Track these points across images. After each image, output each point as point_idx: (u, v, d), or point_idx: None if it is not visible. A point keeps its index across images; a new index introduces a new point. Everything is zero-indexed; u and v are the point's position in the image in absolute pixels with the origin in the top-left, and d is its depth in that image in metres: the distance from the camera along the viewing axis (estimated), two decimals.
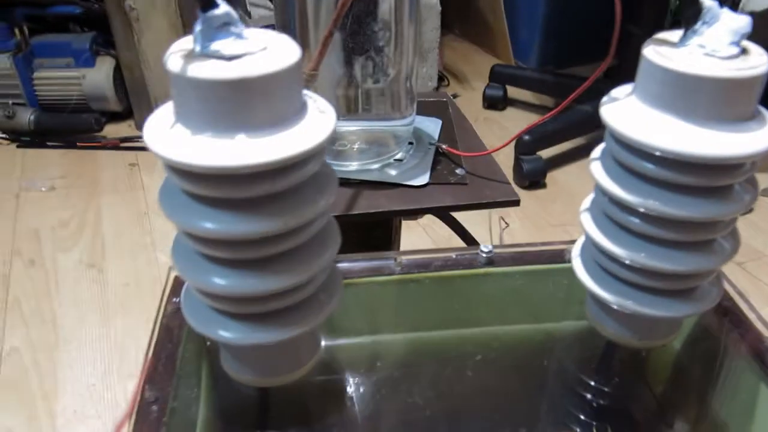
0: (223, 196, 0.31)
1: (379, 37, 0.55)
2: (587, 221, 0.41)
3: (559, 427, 0.46)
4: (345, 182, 0.56)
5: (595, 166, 0.40)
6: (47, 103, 1.63)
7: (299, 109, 0.32)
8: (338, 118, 0.59)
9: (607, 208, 0.39)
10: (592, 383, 0.46)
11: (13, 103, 1.60)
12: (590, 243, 0.42)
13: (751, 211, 1.31)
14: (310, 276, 0.35)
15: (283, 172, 0.31)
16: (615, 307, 0.40)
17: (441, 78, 2.01)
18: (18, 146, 1.55)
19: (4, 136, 1.59)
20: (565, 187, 1.47)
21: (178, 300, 0.45)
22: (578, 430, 0.46)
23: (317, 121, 0.32)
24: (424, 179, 0.57)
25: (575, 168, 1.54)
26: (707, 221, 0.36)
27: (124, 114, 1.69)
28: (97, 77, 1.61)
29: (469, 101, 1.89)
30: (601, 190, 0.40)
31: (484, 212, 1.35)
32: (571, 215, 1.36)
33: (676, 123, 0.34)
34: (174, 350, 0.41)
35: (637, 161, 0.36)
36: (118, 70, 1.63)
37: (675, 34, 0.36)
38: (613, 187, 0.38)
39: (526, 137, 1.45)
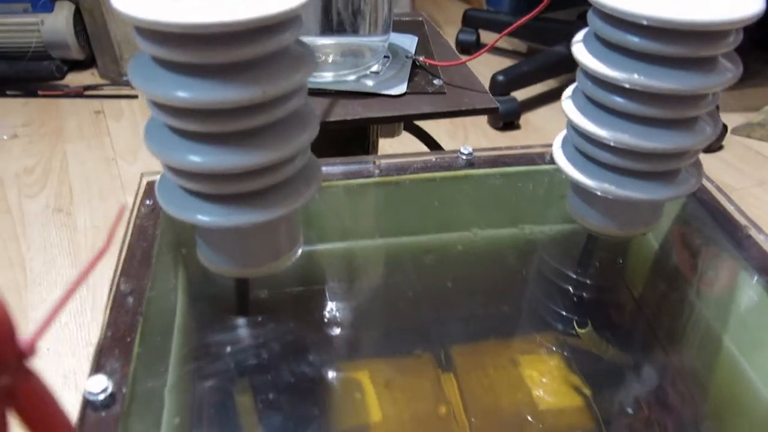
0: (197, 62, 0.29)
1: None
2: (569, 107, 0.41)
3: (540, 323, 0.46)
4: (320, 92, 0.55)
5: (578, 49, 0.39)
6: (4, 51, 1.57)
7: None
8: (310, 32, 0.57)
9: (590, 90, 0.39)
10: (573, 278, 0.46)
11: None
12: (573, 132, 0.42)
13: (721, 148, 1.33)
14: (288, 154, 0.33)
15: (259, 35, 0.30)
16: (598, 193, 0.40)
17: None
18: None
19: None
20: (538, 128, 1.47)
21: (150, 202, 0.44)
22: (559, 325, 0.46)
23: None
24: (401, 89, 0.56)
25: (549, 110, 1.53)
26: (690, 94, 0.36)
27: (87, 62, 1.63)
28: (56, 23, 1.55)
29: None
30: (584, 73, 0.39)
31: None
32: None
33: None
34: (149, 247, 0.40)
35: (621, 35, 0.35)
36: (78, 16, 1.57)
37: None
38: (597, 65, 0.37)
39: (500, 77, 1.43)
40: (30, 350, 0.17)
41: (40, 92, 1.52)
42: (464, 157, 0.49)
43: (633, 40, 0.35)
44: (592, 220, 0.43)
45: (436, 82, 0.58)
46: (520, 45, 1.87)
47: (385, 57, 0.61)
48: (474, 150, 0.50)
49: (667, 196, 0.40)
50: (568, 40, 1.53)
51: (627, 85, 0.36)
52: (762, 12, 0.34)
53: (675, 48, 0.34)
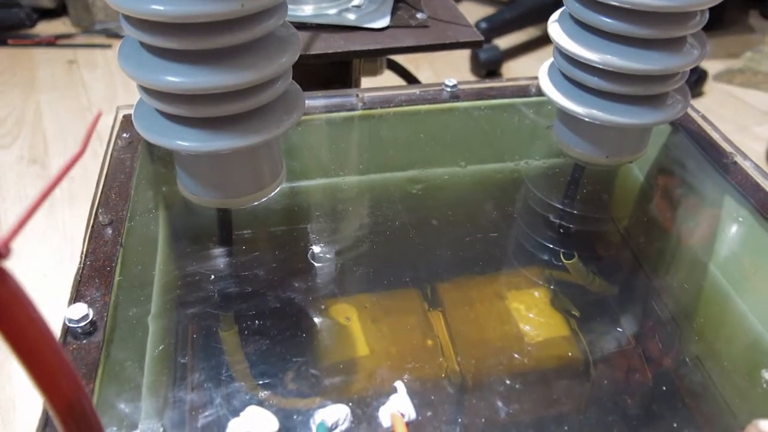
0: None
1: None
2: (556, 31, 0.40)
3: (527, 256, 0.46)
4: (300, 26, 0.53)
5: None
6: None
7: None
8: None
9: (578, 12, 0.38)
10: (560, 210, 0.46)
11: None
12: (559, 57, 0.41)
13: (702, 94, 1.33)
14: (268, 75, 0.32)
15: None
16: (585, 119, 0.40)
17: None
18: None
19: None
20: (521, 76, 1.45)
21: (127, 135, 0.42)
22: (546, 258, 0.46)
23: None
24: (384, 22, 0.54)
25: (531, 58, 1.52)
26: (677, 13, 0.35)
27: (58, 11, 1.58)
28: None
29: None
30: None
31: None
32: None
33: None
34: (127, 180, 0.39)
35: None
36: None
37: None
38: None
39: (483, 25, 1.41)
40: (4, 251, 0.16)
41: (10, 41, 1.47)
42: (449, 89, 0.48)
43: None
44: (579, 149, 0.43)
45: (419, 15, 0.57)
46: None
47: None
48: (459, 82, 0.49)
49: (654, 121, 0.39)
50: None
51: (615, 3, 0.35)
52: None
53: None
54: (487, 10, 1.78)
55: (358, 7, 0.57)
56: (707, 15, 0.36)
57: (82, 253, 0.33)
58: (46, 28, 1.54)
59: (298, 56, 0.34)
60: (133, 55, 0.32)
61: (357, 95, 0.47)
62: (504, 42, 1.50)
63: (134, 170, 0.40)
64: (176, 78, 0.31)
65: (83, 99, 1.28)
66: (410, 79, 0.68)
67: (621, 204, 0.48)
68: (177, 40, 0.30)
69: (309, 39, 0.52)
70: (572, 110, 0.40)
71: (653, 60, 0.36)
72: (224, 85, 0.31)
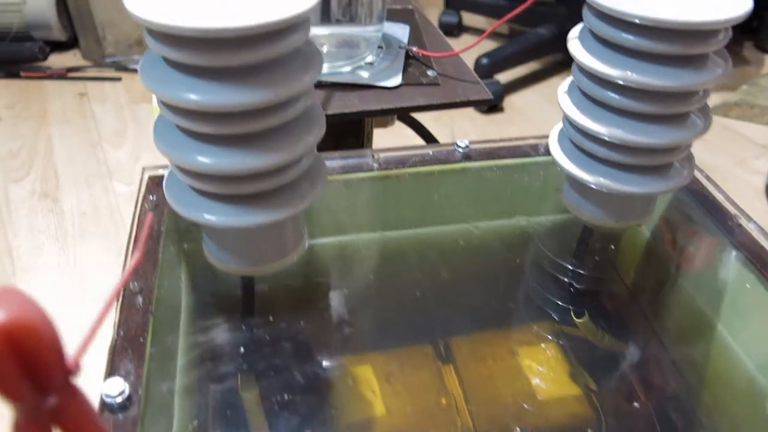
0: (209, 65, 0.30)
1: None
2: (565, 102, 0.42)
3: (538, 313, 0.47)
4: (315, 84, 0.55)
5: (573, 45, 0.40)
6: None
7: None
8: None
9: (585, 85, 0.39)
10: (569, 269, 0.47)
11: None
12: (568, 125, 0.43)
13: None
14: (297, 155, 0.34)
15: (271, 38, 0.30)
16: (593, 186, 0.41)
17: None
18: None
19: None
20: (522, 111, 1.48)
21: (154, 198, 0.44)
22: (556, 315, 0.47)
23: None
24: (396, 80, 0.56)
25: (532, 92, 1.54)
26: (682, 91, 0.37)
27: (69, 44, 1.61)
28: (39, 3, 1.52)
29: None
30: (579, 69, 0.40)
31: (448, 134, 1.35)
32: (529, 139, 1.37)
33: None
34: (155, 244, 0.40)
35: (615, 33, 0.36)
36: None
37: None
38: (592, 61, 0.38)
39: (484, 60, 1.44)
40: (75, 368, 0.18)
41: (22, 73, 1.49)
42: (461, 150, 0.50)
43: (627, 38, 0.36)
44: (588, 213, 0.44)
45: (429, 73, 0.58)
46: (501, 27, 1.87)
47: (378, 47, 0.61)
48: (470, 143, 0.50)
49: (661, 189, 0.41)
50: (549, 21, 1.54)
51: (621, 82, 0.37)
52: (750, 11, 0.35)
53: (667, 46, 0.35)
54: (485, 43, 1.81)
55: (371, 64, 0.59)
56: (709, 92, 0.38)
57: (114, 323, 0.35)
58: (57, 60, 1.56)
59: (324, 131, 0.36)
60: (167, 134, 0.34)
61: (372, 156, 0.49)
62: (505, 77, 1.53)
63: (161, 234, 0.41)
64: (207, 159, 0.32)
65: (93, 133, 1.30)
66: (418, 128, 0.70)
67: (629, 262, 0.50)
68: (210, 125, 0.32)
69: (324, 98, 0.54)
70: (581, 178, 0.41)
71: (659, 134, 0.38)
72: (254, 167, 0.33)
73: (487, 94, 0.56)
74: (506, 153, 0.51)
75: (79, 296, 0.92)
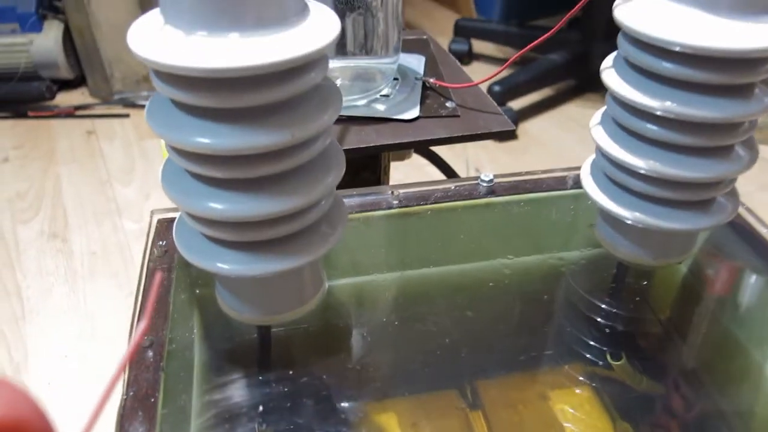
0: (220, 106, 0.28)
1: None
2: (599, 134, 0.39)
3: (570, 354, 0.45)
4: None
5: (608, 74, 0.38)
6: None
7: (301, 9, 0.29)
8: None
9: (620, 116, 0.37)
10: (604, 308, 0.44)
11: None
12: (602, 158, 0.40)
13: None
14: (315, 198, 0.32)
15: (285, 77, 0.28)
16: (630, 222, 0.39)
17: None
18: None
19: None
20: (537, 138, 1.46)
21: (163, 243, 0.42)
22: (590, 356, 0.44)
23: (321, 22, 0.29)
24: (414, 113, 0.54)
25: (545, 119, 1.53)
26: (726, 123, 0.34)
27: (76, 82, 1.61)
28: (46, 43, 1.52)
29: None
30: (613, 98, 0.38)
31: (462, 163, 1.33)
32: (543, 167, 1.35)
33: (696, 15, 0.32)
34: (165, 294, 0.38)
35: (655, 61, 0.34)
36: (67, 35, 1.54)
37: None
38: (629, 91, 0.35)
39: (497, 88, 1.42)
40: None
41: (30, 113, 1.49)
42: (485, 184, 0.48)
43: (666, 67, 0.34)
44: (623, 249, 0.42)
45: (448, 104, 0.56)
46: (511, 53, 1.86)
47: (394, 79, 0.59)
48: (495, 176, 0.48)
49: (703, 226, 0.38)
50: (562, 47, 1.53)
51: (660, 113, 0.35)
52: None
53: (711, 75, 0.33)
54: (493, 69, 1.80)
55: (387, 96, 0.57)
56: (756, 123, 0.36)
57: (123, 382, 0.32)
58: (65, 98, 1.56)
59: (343, 171, 0.34)
60: (176, 179, 0.32)
61: (392, 192, 0.47)
62: (518, 103, 1.52)
63: (172, 282, 0.39)
64: (219, 205, 0.30)
65: (102, 171, 1.28)
66: (439, 162, 0.68)
67: (666, 300, 0.47)
68: (222, 169, 0.29)
69: (341, 132, 0.52)
70: (617, 213, 0.39)
71: (701, 167, 0.35)
72: (269, 212, 0.30)
73: (510, 125, 0.54)
74: (532, 186, 0.49)
75: (89, 339, 0.89)
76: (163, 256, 0.41)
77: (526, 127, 1.49)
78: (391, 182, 0.69)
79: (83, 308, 0.95)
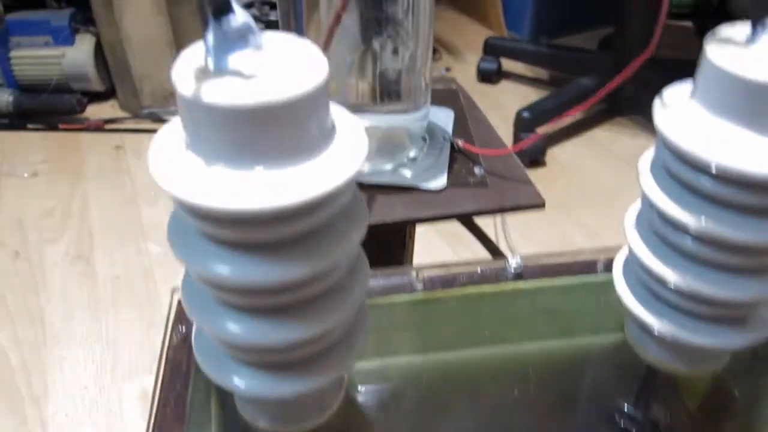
0: (241, 239, 0.27)
1: (398, 5, 0.50)
2: (632, 234, 0.38)
3: None
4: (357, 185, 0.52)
5: (645, 179, 0.36)
6: (26, 84, 1.56)
7: (327, 133, 0.28)
8: (350, 111, 0.55)
9: (656, 224, 0.36)
10: (633, 412, 0.43)
11: None
12: (635, 260, 0.39)
13: None
14: (332, 325, 0.31)
15: (310, 210, 0.27)
16: (658, 334, 0.37)
17: (433, 51, 1.95)
18: None
19: None
20: (565, 164, 1.43)
21: (183, 329, 0.41)
22: None
23: (348, 145, 0.28)
24: (441, 181, 0.53)
25: (575, 144, 1.50)
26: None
27: (107, 94, 1.63)
28: (78, 56, 1.54)
29: (463, 74, 1.84)
30: (650, 205, 0.36)
31: None
32: (572, 196, 1.33)
33: (747, 136, 0.30)
34: (183, 389, 0.37)
35: (692, 174, 0.32)
36: (99, 48, 1.56)
37: (739, 30, 0.32)
38: (665, 202, 0.34)
39: (525, 114, 1.40)
40: None
41: (61, 126, 1.51)
42: (512, 268, 0.46)
43: (703, 183, 0.32)
44: (654, 354, 0.40)
45: (477, 171, 0.55)
46: (541, 72, 1.84)
47: (422, 139, 0.58)
48: (522, 259, 0.47)
49: (739, 345, 0.36)
50: (592, 71, 1.50)
51: (695, 230, 0.33)
52: None
53: (750, 197, 0.31)
54: (525, 90, 1.78)
55: (414, 160, 0.56)
56: None
57: None
58: (95, 110, 1.58)
59: (365, 293, 0.33)
60: (195, 297, 0.31)
61: (416, 274, 0.46)
62: (546, 128, 1.49)
63: (190, 376, 0.38)
64: (239, 330, 0.29)
65: (128, 188, 1.29)
66: (473, 229, 0.66)
67: (699, 402, 0.45)
68: (244, 298, 0.28)
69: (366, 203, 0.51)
70: (646, 322, 0.37)
71: (741, 287, 0.34)
72: (292, 340, 0.29)
73: (540, 199, 0.52)
74: (561, 269, 0.47)
75: (109, 371, 0.90)
76: (182, 343, 0.40)
77: (555, 153, 1.47)
78: (418, 235, 0.68)
79: (104, 337, 0.95)
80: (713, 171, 0.31)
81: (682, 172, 0.32)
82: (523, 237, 1.20)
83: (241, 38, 0.25)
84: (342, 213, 0.30)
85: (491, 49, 1.80)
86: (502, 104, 1.68)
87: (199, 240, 0.28)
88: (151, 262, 1.10)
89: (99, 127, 1.51)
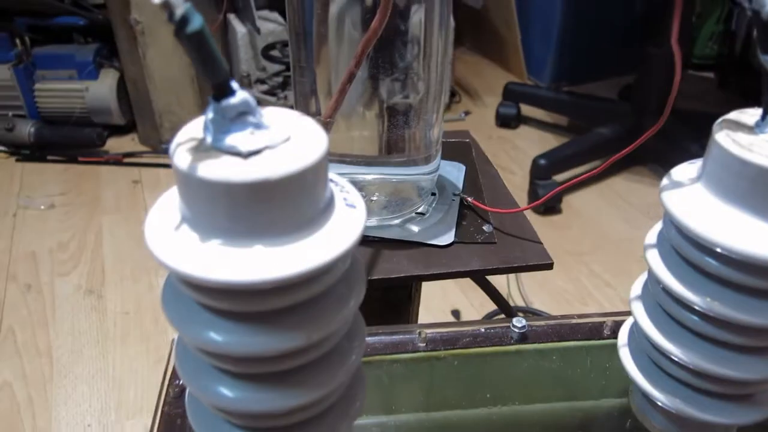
0: (236, 309, 0.27)
1: (407, 52, 0.50)
2: (638, 308, 0.37)
3: None
4: (363, 240, 0.52)
5: (652, 255, 0.35)
6: (48, 116, 1.59)
7: (325, 206, 0.28)
8: (358, 163, 0.55)
9: (662, 300, 0.35)
10: None
11: (13, 115, 1.56)
12: (640, 332, 0.38)
13: None
14: (331, 390, 0.30)
15: (307, 282, 0.27)
16: (662, 405, 0.36)
17: (453, 93, 1.96)
18: (17, 160, 1.51)
19: (3, 149, 1.55)
20: (580, 212, 1.42)
21: (180, 382, 0.41)
22: None
23: (346, 218, 0.28)
24: (449, 238, 0.53)
25: (590, 192, 1.49)
26: None
27: (127, 127, 1.65)
28: (101, 90, 1.57)
29: (481, 118, 1.85)
30: (655, 280, 0.36)
31: None
32: (587, 244, 1.32)
33: (751, 219, 0.30)
34: None
35: (697, 254, 0.32)
36: (121, 83, 1.59)
37: (748, 115, 0.32)
38: (670, 279, 0.33)
39: (542, 161, 1.40)
40: None
41: (80, 159, 1.53)
42: (517, 330, 0.46)
43: (715, 266, 0.31)
44: (659, 426, 0.39)
45: (485, 228, 0.55)
46: (561, 119, 1.84)
47: (432, 194, 0.58)
48: (528, 321, 0.46)
49: (746, 421, 0.35)
50: (612, 120, 1.50)
51: (700, 309, 0.32)
52: None
53: (754, 280, 0.30)
54: (543, 135, 1.78)
55: (422, 214, 0.56)
56: None
57: None
58: (115, 144, 1.60)
59: (360, 361, 0.32)
60: (188, 363, 0.31)
61: (419, 333, 0.45)
62: (562, 176, 1.49)
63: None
64: (231, 393, 0.29)
65: (144, 224, 1.30)
66: (485, 286, 0.66)
67: None
68: (239, 366, 0.28)
69: (371, 258, 0.51)
70: (651, 394, 0.37)
71: (748, 367, 0.33)
72: (286, 407, 0.29)
73: (549, 259, 0.52)
74: (566, 332, 0.47)
75: (114, 410, 0.89)
76: (178, 398, 0.40)
77: (570, 200, 1.46)
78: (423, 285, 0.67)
79: (111, 374, 0.95)
80: (719, 252, 0.30)
81: (689, 251, 0.32)
82: (536, 284, 1.20)
83: (240, 117, 0.25)
84: (340, 279, 0.30)
85: (511, 95, 1.82)
86: (520, 149, 1.68)
87: (193, 308, 0.28)
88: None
89: (118, 160, 1.53)
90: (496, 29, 2.16)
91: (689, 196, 0.32)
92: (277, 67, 1.38)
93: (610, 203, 1.46)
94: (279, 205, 0.25)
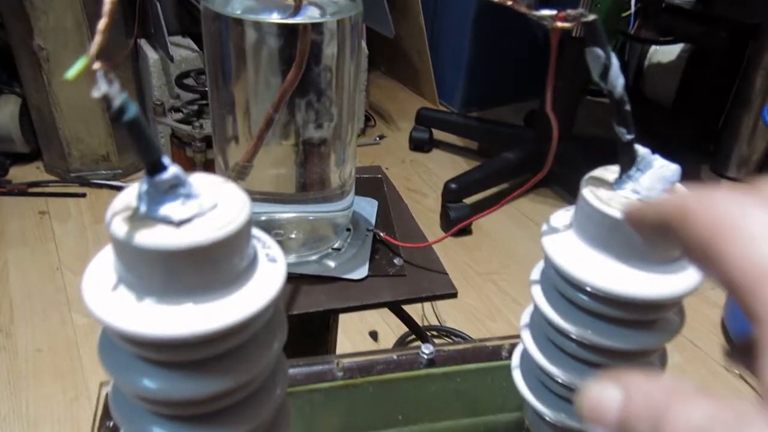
0: (170, 360, 0.30)
1: (321, 80, 0.53)
2: (527, 336, 0.42)
3: None
4: None
5: (535, 289, 0.41)
6: None
7: (249, 263, 0.31)
8: (276, 200, 0.57)
9: (544, 327, 0.40)
10: None
11: None
12: (528, 356, 0.43)
13: None
14: (260, 423, 0.34)
15: (233, 333, 0.30)
16: (548, 420, 0.42)
17: (368, 118, 2.02)
18: None
19: None
20: (490, 233, 1.50)
21: (111, 424, 0.43)
22: None
23: (268, 272, 0.32)
24: (363, 272, 0.57)
25: (499, 214, 1.58)
26: (638, 351, 0.38)
27: (32, 156, 1.61)
28: (1, 117, 1.52)
29: (396, 142, 1.91)
30: (538, 311, 0.41)
31: None
32: (495, 263, 1.39)
33: (612, 264, 0.36)
34: None
35: (575, 293, 0.37)
36: (24, 109, 1.55)
37: (610, 172, 0.38)
38: (551, 313, 0.39)
39: (453, 185, 1.47)
40: None
41: None
42: (425, 355, 0.50)
43: (582, 299, 0.37)
44: None
45: (396, 261, 0.59)
46: (471, 143, 1.93)
47: (346, 230, 0.62)
48: (435, 347, 0.51)
49: None
50: (517, 145, 1.60)
51: (576, 337, 0.38)
52: (698, 286, 0.35)
53: (622, 313, 0.36)
54: (454, 158, 1.86)
55: (338, 249, 0.60)
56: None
57: None
58: (19, 173, 1.55)
59: (285, 395, 0.36)
60: (123, 406, 0.33)
61: (336, 363, 0.49)
62: (471, 199, 1.57)
63: None
64: None
65: (53, 256, 1.28)
66: (399, 313, 0.70)
67: None
68: (173, 410, 0.31)
69: (290, 293, 0.54)
70: (541, 411, 0.42)
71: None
72: None
73: (453, 288, 0.57)
74: (470, 356, 0.52)
75: None
76: None
77: (481, 223, 1.54)
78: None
79: (24, 413, 0.93)
80: (587, 290, 0.36)
81: (564, 288, 0.38)
82: (449, 304, 1.25)
83: (171, 190, 0.28)
84: (264, 326, 0.33)
85: (423, 120, 1.89)
86: (433, 172, 1.75)
87: (129, 358, 0.31)
88: (76, 334, 1.09)
89: (22, 190, 1.49)
90: (409, 57, 2.24)
91: (563, 240, 0.38)
92: (191, 96, 1.39)
93: (518, 224, 1.55)
94: (208, 267, 0.28)
